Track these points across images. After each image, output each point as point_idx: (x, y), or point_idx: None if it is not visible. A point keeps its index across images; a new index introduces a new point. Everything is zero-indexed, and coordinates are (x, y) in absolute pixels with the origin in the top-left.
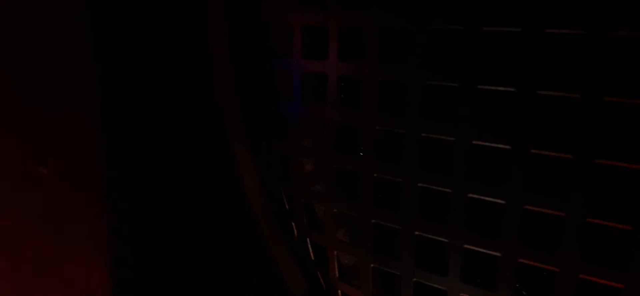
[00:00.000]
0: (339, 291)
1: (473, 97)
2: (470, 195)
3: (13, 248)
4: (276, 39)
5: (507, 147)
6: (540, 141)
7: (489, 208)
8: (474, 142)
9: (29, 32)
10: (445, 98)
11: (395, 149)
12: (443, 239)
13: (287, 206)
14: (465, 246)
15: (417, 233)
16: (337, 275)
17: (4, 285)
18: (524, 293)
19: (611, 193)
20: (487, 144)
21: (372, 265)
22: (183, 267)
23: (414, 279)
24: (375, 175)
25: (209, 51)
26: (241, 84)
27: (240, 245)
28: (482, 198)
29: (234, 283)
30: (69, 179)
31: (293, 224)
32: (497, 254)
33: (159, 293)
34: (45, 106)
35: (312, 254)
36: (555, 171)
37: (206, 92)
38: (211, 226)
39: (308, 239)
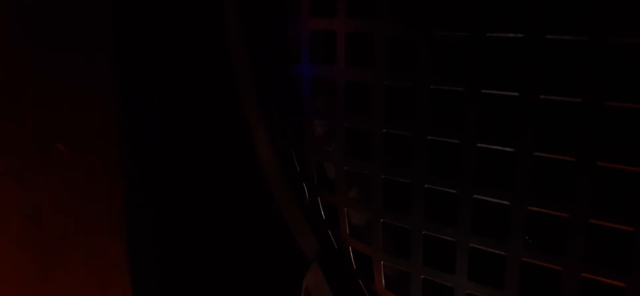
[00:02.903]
0: (350, 249)
1: (481, 51)
2: (480, 145)
3: (36, 223)
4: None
5: (516, 94)
6: (548, 89)
7: (498, 159)
8: (484, 91)
9: (48, 11)
10: (455, 53)
11: (405, 104)
12: (452, 191)
13: (298, 169)
14: (475, 196)
15: (426, 185)
16: (348, 232)
17: (27, 259)
18: (530, 241)
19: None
20: (496, 92)
21: (382, 220)
22: (197, 234)
23: (424, 232)
24: (384, 131)
25: (222, 20)
26: (253, 50)
27: (253, 210)
28: (491, 146)
29: (247, 247)
30: (87, 157)
31: (304, 186)
32: (506, 203)
33: (173, 262)
34: (64, 84)
35: (323, 214)
36: (565, 121)
37: (219, 63)
38: (224, 193)
39: (319, 199)
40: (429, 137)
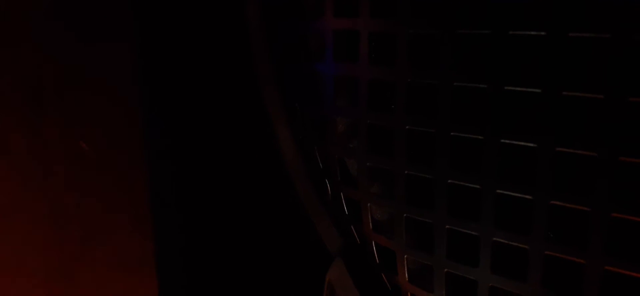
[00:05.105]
0: (373, 243)
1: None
2: (503, 140)
3: (62, 218)
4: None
5: (538, 90)
6: (571, 85)
7: (520, 153)
8: (507, 88)
9: (72, 6)
10: (478, 50)
11: (428, 101)
12: (475, 186)
13: (321, 165)
14: (498, 191)
15: (450, 181)
16: (371, 227)
17: (53, 253)
18: (551, 235)
19: None
20: (518, 88)
21: (405, 215)
22: (221, 230)
23: (447, 226)
24: (407, 128)
25: (244, 19)
26: (275, 49)
27: (277, 206)
28: (514, 142)
29: (270, 242)
30: (111, 152)
31: (327, 182)
32: (529, 197)
33: (198, 256)
34: (88, 80)
35: (346, 209)
36: (587, 117)
37: (242, 60)
38: (248, 189)
39: (342, 195)
40: (452, 133)
